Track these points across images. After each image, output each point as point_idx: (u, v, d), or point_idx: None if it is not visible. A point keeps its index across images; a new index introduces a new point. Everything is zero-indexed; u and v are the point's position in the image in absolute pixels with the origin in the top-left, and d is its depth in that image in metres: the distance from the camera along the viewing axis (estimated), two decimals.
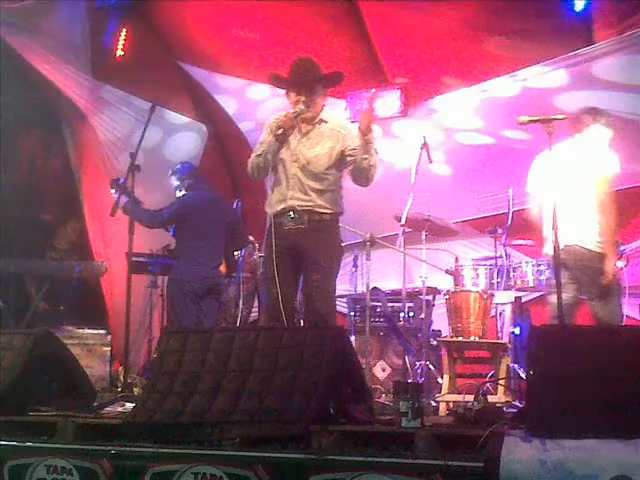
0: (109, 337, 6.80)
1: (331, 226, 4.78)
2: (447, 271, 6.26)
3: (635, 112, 6.57)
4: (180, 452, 3.62)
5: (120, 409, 4.43)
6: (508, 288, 6.04)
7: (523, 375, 5.63)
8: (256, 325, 7.08)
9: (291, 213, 4.70)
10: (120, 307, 6.16)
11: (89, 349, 6.55)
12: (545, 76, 6.82)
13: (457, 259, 6.36)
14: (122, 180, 5.76)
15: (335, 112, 5.40)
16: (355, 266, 7.09)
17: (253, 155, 4.83)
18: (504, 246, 6.15)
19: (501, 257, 6.14)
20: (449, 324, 5.93)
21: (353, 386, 3.93)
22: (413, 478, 3.17)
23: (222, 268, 6.75)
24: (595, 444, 3.02)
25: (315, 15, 7.41)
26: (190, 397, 3.86)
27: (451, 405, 5.33)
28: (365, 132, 4.62)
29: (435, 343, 6.50)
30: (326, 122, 4.81)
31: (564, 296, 4.61)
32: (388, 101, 7.51)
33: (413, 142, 6.64)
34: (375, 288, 6.74)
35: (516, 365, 5.88)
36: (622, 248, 5.35)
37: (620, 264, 5.09)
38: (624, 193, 5.76)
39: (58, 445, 3.85)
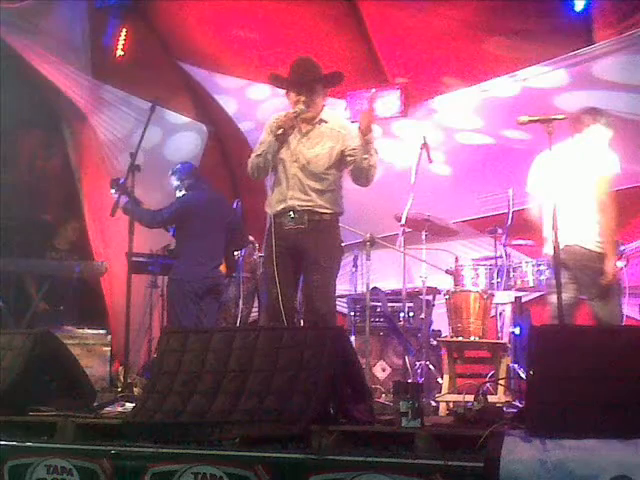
0: (109, 337, 6.80)
1: (331, 226, 4.78)
2: (447, 271, 6.26)
3: (635, 112, 6.57)
4: (180, 452, 3.62)
5: (120, 409, 4.43)
6: (508, 288, 6.04)
7: (523, 375, 5.63)
8: (256, 325, 7.08)
9: (291, 213, 4.70)
10: (120, 307, 6.16)
11: (89, 349, 6.55)
12: (545, 76, 6.81)
13: (457, 259, 6.36)
14: (122, 180, 5.75)
15: (335, 112, 5.40)
16: (355, 266, 7.09)
17: (253, 155, 4.82)
18: (504, 246, 6.16)
19: (501, 257, 6.14)
20: (449, 324, 5.93)
21: (353, 386, 3.93)
22: (413, 478, 3.17)
23: (222, 268, 6.75)
24: (595, 444, 3.02)
25: (315, 15, 7.41)
26: (190, 397, 3.86)
27: (451, 405, 5.33)
28: (365, 132, 4.62)
29: (435, 343, 6.50)
30: (326, 122, 4.81)
31: (564, 296, 4.61)
32: (388, 101, 7.51)
33: (413, 142, 6.64)
34: (375, 288, 6.74)
35: (516, 365, 5.88)
36: (622, 248, 5.35)
37: (620, 264, 5.09)
38: (624, 193, 5.75)
39: (58, 445, 3.85)
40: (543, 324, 4.21)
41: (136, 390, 5.32)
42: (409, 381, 5.83)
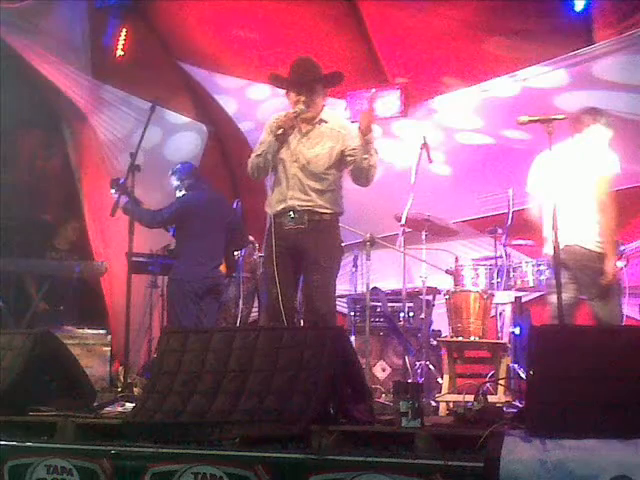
0: (109, 337, 6.80)
1: (331, 226, 4.78)
2: (447, 271, 6.26)
3: (635, 112, 6.58)
4: (180, 452, 3.62)
5: (120, 409, 4.43)
6: (508, 288, 6.04)
7: (523, 375, 5.63)
8: (256, 325, 7.08)
9: (291, 213, 4.70)
10: (120, 307, 6.16)
11: (89, 349, 6.55)
12: (545, 76, 6.82)
13: (457, 259, 6.36)
14: (122, 180, 5.75)
15: (335, 112, 5.40)
16: (355, 266, 7.09)
17: (253, 155, 4.83)
18: (504, 246, 6.16)
19: (501, 257, 6.14)
20: (449, 324, 5.93)
21: (353, 386, 3.93)
22: (413, 478, 3.17)
23: (222, 268, 6.75)
24: (595, 444, 3.02)
25: (315, 15, 7.41)
26: (190, 397, 3.86)
27: (451, 405, 5.33)
28: (365, 132, 4.62)
29: (435, 343, 6.50)
30: (326, 122, 4.81)
31: (564, 296, 4.61)
32: (388, 101, 7.51)
33: (413, 142, 6.64)
34: (375, 288, 6.74)
35: (516, 365, 5.88)
36: (622, 248, 5.35)
37: (620, 264, 5.09)
38: (624, 193, 5.76)
39: (58, 445, 3.85)
40: (543, 324, 4.21)
41: (136, 390, 5.31)
42: (409, 381, 5.83)
